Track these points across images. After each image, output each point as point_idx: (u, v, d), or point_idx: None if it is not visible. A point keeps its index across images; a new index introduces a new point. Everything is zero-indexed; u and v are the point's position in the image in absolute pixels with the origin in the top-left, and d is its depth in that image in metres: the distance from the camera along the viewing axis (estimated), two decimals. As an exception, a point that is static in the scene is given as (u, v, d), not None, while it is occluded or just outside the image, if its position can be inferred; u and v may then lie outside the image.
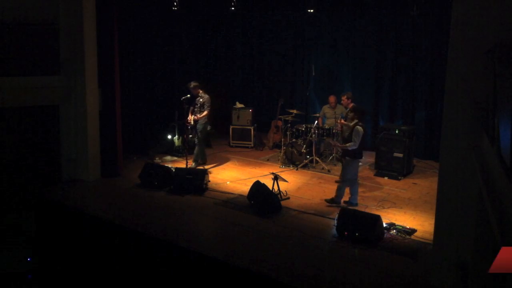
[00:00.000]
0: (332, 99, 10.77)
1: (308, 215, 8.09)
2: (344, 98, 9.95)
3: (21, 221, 9.40)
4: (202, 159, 10.51)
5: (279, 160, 10.98)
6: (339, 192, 8.34)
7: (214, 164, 10.75)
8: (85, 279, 8.30)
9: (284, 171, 10.26)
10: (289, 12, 12.69)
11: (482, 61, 5.34)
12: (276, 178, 8.66)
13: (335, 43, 12.28)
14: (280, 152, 11.10)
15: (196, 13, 13.15)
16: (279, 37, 13.11)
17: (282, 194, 8.70)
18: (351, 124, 8.23)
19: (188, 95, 10.12)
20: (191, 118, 10.15)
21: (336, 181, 8.79)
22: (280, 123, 11.65)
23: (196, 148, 10.46)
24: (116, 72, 9.78)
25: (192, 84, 10.16)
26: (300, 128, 10.90)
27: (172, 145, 11.48)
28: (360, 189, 9.22)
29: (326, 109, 10.91)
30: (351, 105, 9.61)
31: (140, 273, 7.53)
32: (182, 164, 10.32)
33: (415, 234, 7.37)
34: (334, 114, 10.63)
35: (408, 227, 7.55)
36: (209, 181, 9.41)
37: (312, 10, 11.43)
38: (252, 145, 12.15)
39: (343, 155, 8.46)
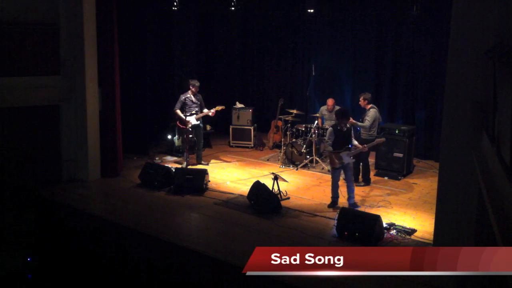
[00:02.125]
0: (330, 102, 10.68)
1: (308, 215, 8.09)
2: (361, 99, 9.46)
3: (21, 221, 9.39)
4: (200, 158, 10.45)
5: (279, 160, 10.98)
6: (351, 194, 8.32)
7: (214, 164, 10.75)
8: (85, 279, 8.30)
9: (284, 171, 10.26)
10: (289, 11, 12.68)
11: (482, 61, 5.34)
12: (276, 178, 8.65)
13: (335, 43, 12.27)
14: (280, 152, 11.09)
15: (196, 12, 13.15)
16: (279, 37, 13.10)
17: (282, 194, 8.70)
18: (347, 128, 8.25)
19: (191, 95, 10.07)
20: (189, 120, 10.03)
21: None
22: (280, 123, 11.64)
23: (198, 147, 10.44)
24: (116, 72, 9.78)
25: (198, 82, 10.10)
26: (300, 128, 10.89)
27: (172, 145, 11.47)
28: (360, 189, 9.23)
29: (323, 110, 10.88)
30: (369, 106, 9.39)
31: (140, 273, 7.53)
32: (182, 164, 10.33)
33: (415, 234, 7.38)
34: (331, 117, 10.58)
35: (408, 227, 7.55)
36: (209, 181, 9.41)
37: (312, 10, 11.42)
38: (252, 145, 12.14)
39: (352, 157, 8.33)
